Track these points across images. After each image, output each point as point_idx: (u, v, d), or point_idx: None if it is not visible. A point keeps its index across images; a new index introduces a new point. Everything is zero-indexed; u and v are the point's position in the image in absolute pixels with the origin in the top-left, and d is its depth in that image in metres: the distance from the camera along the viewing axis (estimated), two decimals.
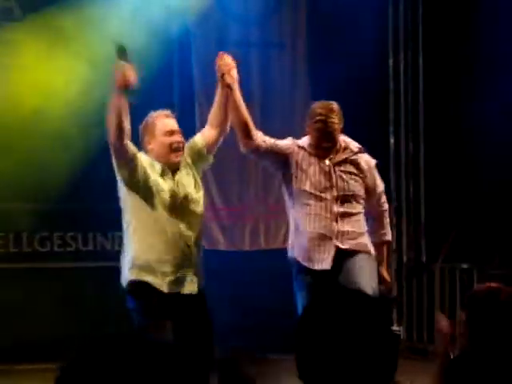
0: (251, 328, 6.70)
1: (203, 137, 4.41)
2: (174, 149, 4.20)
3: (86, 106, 6.39)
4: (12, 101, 6.54)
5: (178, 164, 4.21)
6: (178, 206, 4.14)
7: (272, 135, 4.73)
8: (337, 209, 4.54)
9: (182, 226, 4.10)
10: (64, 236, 7.01)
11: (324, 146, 4.57)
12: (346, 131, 4.71)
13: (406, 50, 7.73)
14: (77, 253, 7.06)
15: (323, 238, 4.53)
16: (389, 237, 4.92)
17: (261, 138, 4.59)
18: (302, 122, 5.13)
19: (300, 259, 4.57)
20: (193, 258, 4.19)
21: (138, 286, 4.08)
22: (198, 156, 4.37)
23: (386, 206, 4.86)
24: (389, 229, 4.90)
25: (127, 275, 4.12)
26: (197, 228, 4.24)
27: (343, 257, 4.55)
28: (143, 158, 4.15)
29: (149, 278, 4.08)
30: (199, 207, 4.26)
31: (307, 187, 4.59)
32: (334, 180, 4.59)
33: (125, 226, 4.20)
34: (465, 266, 7.01)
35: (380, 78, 7.66)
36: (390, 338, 1.53)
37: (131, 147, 4.03)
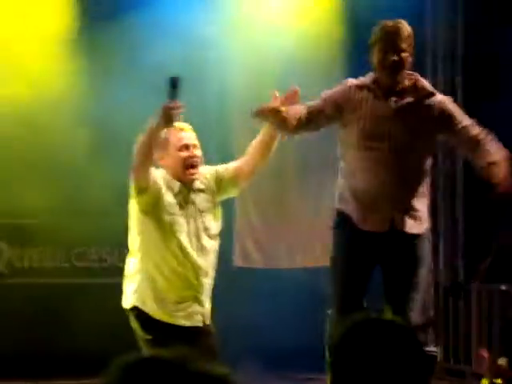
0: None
1: (235, 168, 4.17)
2: (189, 164, 3.97)
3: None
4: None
5: (193, 183, 4.00)
6: (192, 237, 3.95)
7: None
8: None
9: (194, 257, 3.93)
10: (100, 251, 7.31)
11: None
12: None
13: (444, 72, 7.83)
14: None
15: None
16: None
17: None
18: None
19: None
20: (201, 290, 4.01)
21: (143, 314, 3.95)
22: (221, 187, 4.14)
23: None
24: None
25: (132, 299, 3.98)
26: (209, 259, 4.05)
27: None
28: (159, 177, 3.93)
29: (153, 308, 3.93)
30: (213, 239, 4.06)
31: None
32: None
33: (133, 248, 4.03)
34: (503, 287, 6.94)
35: None
36: (422, 363, 1.59)
37: (152, 176, 3.87)
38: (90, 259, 7.31)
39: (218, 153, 6.62)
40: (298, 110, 4.16)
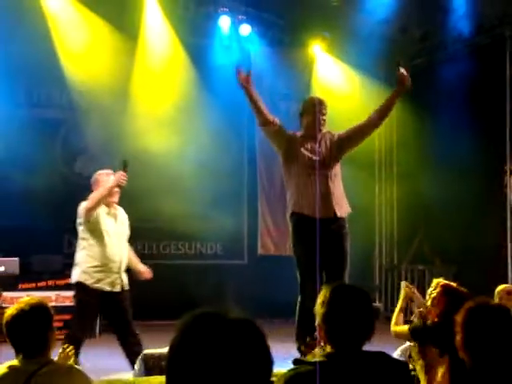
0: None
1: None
2: (113, 195, 5.91)
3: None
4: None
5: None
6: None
7: None
8: None
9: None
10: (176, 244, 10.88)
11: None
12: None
13: None
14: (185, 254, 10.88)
15: None
16: None
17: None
18: None
19: None
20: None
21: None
22: None
23: None
24: None
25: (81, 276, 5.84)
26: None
27: None
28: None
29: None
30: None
31: None
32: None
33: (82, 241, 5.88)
34: (420, 267, 10.07)
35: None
36: (260, 359, 1.46)
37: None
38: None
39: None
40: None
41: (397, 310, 4.85)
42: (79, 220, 5.92)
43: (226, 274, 10.46)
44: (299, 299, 5.62)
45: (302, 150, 5.75)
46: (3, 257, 8.57)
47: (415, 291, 4.92)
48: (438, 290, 4.39)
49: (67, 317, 8.03)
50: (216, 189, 9.96)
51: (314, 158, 5.71)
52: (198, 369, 1.44)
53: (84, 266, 5.84)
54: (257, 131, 11.08)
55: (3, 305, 8.05)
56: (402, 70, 5.84)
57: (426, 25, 10.20)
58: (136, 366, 5.68)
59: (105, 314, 6.29)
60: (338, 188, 5.81)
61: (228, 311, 1.52)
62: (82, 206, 5.89)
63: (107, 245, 5.87)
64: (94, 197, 5.83)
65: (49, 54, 9.50)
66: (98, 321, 8.71)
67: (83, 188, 9.49)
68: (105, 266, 5.84)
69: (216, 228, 10.11)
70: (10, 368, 3.20)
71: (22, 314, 3.23)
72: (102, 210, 5.88)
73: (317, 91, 10.33)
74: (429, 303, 4.46)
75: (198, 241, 10.88)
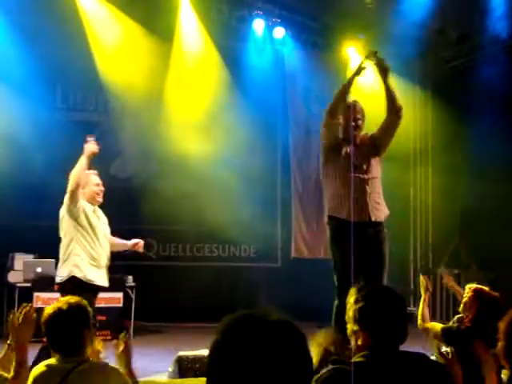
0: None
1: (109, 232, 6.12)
2: (97, 195, 5.90)
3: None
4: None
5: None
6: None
7: None
8: None
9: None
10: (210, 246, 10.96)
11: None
12: None
13: None
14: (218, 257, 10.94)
15: None
16: None
17: None
18: None
19: None
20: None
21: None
22: None
23: None
24: None
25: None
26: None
27: None
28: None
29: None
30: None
31: None
32: None
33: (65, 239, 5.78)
34: (456, 271, 9.76)
35: None
36: (297, 360, 1.47)
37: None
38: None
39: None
40: None
41: (420, 305, 4.90)
42: (62, 213, 5.84)
43: (259, 277, 10.49)
44: (336, 303, 5.58)
45: (341, 152, 5.75)
46: (40, 258, 8.68)
47: (454, 284, 5.24)
48: (469, 294, 4.41)
49: (103, 318, 8.14)
50: (249, 191, 10.01)
51: (351, 161, 5.69)
52: (240, 370, 1.44)
53: (78, 260, 5.76)
54: (291, 132, 11.27)
55: (40, 305, 8.17)
56: (376, 58, 5.84)
57: (462, 26, 10.10)
58: (170, 368, 5.71)
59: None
60: (375, 192, 5.78)
61: (268, 313, 1.52)
62: (66, 195, 5.83)
63: (97, 239, 5.84)
64: (72, 175, 5.74)
65: (85, 58, 9.61)
66: (132, 322, 8.81)
67: (118, 190, 9.82)
68: (97, 261, 5.82)
69: (250, 231, 10.15)
70: (48, 366, 3.24)
71: (60, 313, 3.26)
72: (87, 208, 5.84)
73: (351, 94, 10.25)
74: (461, 308, 4.48)
75: (232, 243, 10.94)
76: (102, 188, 5.99)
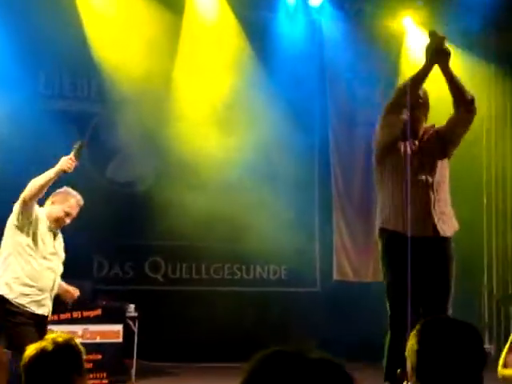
0: None
1: None
2: (60, 222, 6.09)
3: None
4: None
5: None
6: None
7: None
8: None
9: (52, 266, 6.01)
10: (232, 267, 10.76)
11: None
12: None
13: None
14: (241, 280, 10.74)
15: None
16: None
17: None
18: None
19: None
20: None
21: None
22: None
23: None
24: None
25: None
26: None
27: None
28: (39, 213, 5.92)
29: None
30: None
31: None
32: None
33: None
34: None
35: None
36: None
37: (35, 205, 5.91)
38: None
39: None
40: None
41: (506, 348, 4.90)
42: (10, 221, 6.01)
43: (292, 305, 10.37)
44: (389, 336, 5.49)
45: (400, 150, 5.62)
46: None
47: None
48: None
49: (98, 356, 8.13)
50: (279, 198, 9.93)
51: (412, 161, 5.57)
52: None
53: (8, 278, 5.93)
54: (330, 124, 11.13)
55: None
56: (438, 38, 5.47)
57: None
58: None
59: None
60: (442, 199, 5.67)
61: (307, 350, 1.58)
62: (18, 202, 5.97)
63: (39, 256, 6.02)
64: (34, 183, 5.87)
65: (74, 36, 9.59)
66: (134, 362, 8.76)
67: (116, 196, 9.81)
68: (35, 281, 5.97)
69: (280, 248, 10.05)
70: None
71: (44, 355, 3.23)
72: (43, 222, 6.05)
73: (407, 75, 10.17)
74: None
75: (258, 263, 10.83)
76: (69, 221, 6.20)
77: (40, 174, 5.89)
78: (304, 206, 10.83)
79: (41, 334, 5.49)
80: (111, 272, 9.68)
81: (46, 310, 5.99)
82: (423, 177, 5.58)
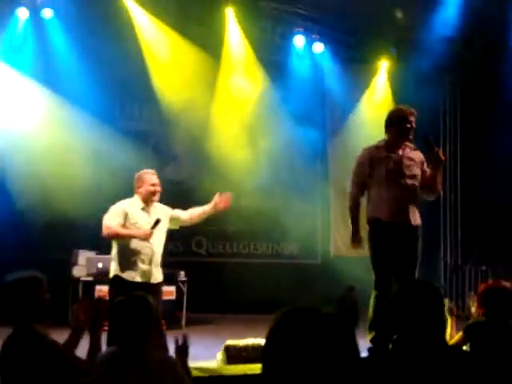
0: None
1: (182, 215, 5.79)
2: (153, 193, 5.57)
3: None
4: None
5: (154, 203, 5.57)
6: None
7: None
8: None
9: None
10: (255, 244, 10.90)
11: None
12: None
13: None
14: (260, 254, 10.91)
15: None
16: None
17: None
18: None
19: None
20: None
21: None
22: (170, 220, 5.72)
23: None
24: None
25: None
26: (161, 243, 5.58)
27: None
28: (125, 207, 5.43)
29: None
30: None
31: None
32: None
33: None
34: (483, 267, 9.81)
35: None
36: (348, 352, 1.47)
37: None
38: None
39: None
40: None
41: (448, 327, 4.62)
42: None
43: (301, 273, 10.36)
44: (373, 294, 5.59)
45: (386, 161, 5.68)
46: (101, 254, 8.78)
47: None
48: (483, 288, 4.30)
49: None
50: (291, 195, 9.96)
51: (397, 168, 5.66)
52: (293, 356, 1.44)
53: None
54: (329, 141, 11.19)
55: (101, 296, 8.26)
56: (437, 149, 5.70)
57: (488, 39, 9.93)
58: (219, 356, 5.70)
59: None
60: (415, 198, 5.76)
61: (321, 307, 1.54)
62: (104, 220, 5.52)
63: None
64: (112, 231, 5.45)
65: (141, 73, 9.69)
66: (184, 313, 8.86)
67: (173, 192, 9.82)
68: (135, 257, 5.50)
69: (291, 230, 10.11)
70: (111, 354, 3.22)
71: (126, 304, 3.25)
72: (132, 209, 5.56)
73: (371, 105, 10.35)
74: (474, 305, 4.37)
75: (275, 242, 10.90)
76: (159, 188, 5.63)
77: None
78: (310, 200, 10.83)
79: None
80: (168, 247, 9.93)
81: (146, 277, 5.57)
82: (403, 181, 5.65)
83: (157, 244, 5.57)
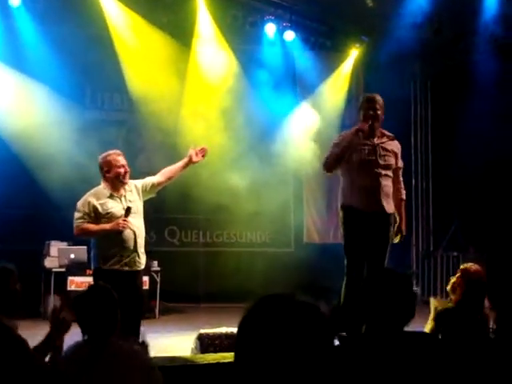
0: None
1: (154, 180, 5.47)
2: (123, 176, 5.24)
3: None
4: None
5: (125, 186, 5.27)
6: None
7: None
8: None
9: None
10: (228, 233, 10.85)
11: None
12: None
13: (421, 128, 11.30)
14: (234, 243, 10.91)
15: None
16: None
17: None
18: None
19: None
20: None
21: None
22: (144, 191, 5.40)
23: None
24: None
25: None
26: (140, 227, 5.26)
27: None
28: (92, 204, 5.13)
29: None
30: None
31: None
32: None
33: None
34: (455, 253, 9.97)
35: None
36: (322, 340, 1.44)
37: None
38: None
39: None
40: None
41: (431, 316, 4.54)
42: None
43: (274, 261, 10.36)
44: (345, 279, 5.61)
45: (361, 148, 5.67)
46: (73, 245, 8.73)
47: None
48: (457, 274, 4.31)
49: None
50: (264, 184, 9.92)
51: (371, 157, 5.66)
52: (266, 345, 1.42)
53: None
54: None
55: (73, 288, 8.22)
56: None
57: (458, 27, 10.01)
58: (192, 345, 5.72)
59: None
60: (388, 186, 5.75)
61: (294, 294, 1.51)
62: (74, 219, 5.29)
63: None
64: (83, 231, 5.24)
65: (111, 62, 9.58)
66: (158, 303, 8.86)
67: None
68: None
69: (265, 218, 10.14)
70: (77, 347, 3.22)
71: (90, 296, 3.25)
72: (98, 202, 5.27)
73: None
74: (450, 288, 4.36)
75: (249, 230, 10.90)
76: (128, 169, 5.32)
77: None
78: (283, 189, 10.77)
79: None
80: None
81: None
82: (376, 170, 5.65)
83: (137, 226, 5.29)
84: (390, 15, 9.69)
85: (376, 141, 5.70)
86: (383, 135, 5.78)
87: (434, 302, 4.77)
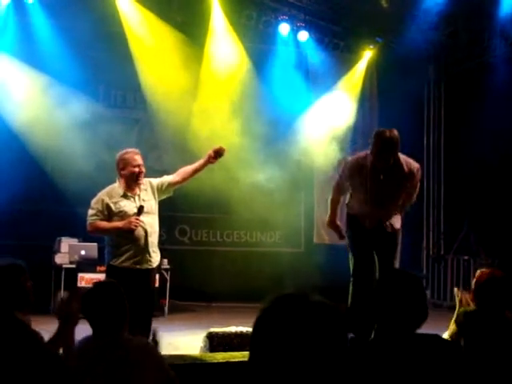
0: None
1: (170, 179, 5.41)
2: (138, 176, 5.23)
3: None
4: None
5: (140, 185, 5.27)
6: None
7: None
8: None
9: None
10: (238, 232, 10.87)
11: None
12: None
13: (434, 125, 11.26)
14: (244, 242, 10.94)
15: None
16: None
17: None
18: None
19: None
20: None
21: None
22: (160, 190, 5.39)
23: None
24: None
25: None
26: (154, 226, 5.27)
27: None
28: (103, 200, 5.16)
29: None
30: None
31: None
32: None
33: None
34: (466, 257, 9.97)
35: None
36: (337, 340, 1.44)
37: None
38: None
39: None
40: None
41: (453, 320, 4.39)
42: None
43: (284, 261, 10.34)
44: (352, 281, 5.61)
45: (370, 172, 5.60)
46: (83, 242, 8.76)
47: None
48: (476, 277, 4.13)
49: None
50: (276, 184, 9.88)
51: (378, 181, 5.60)
52: (281, 344, 1.43)
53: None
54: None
55: (83, 285, 8.25)
56: None
57: (473, 29, 9.97)
58: (202, 343, 5.72)
59: None
60: (391, 209, 5.71)
61: (310, 294, 1.51)
62: (88, 216, 5.28)
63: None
64: (95, 228, 5.27)
65: (125, 58, 9.61)
66: (167, 301, 8.88)
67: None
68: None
69: (275, 218, 10.12)
70: (87, 341, 3.22)
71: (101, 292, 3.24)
72: (112, 200, 5.27)
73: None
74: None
75: (259, 230, 10.88)
76: (143, 169, 5.27)
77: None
78: (294, 190, 10.76)
79: None
80: None
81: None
82: (383, 194, 5.59)
83: (150, 225, 5.28)
84: (404, 16, 9.67)
85: (384, 164, 5.58)
86: (396, 163, 5.62)
87: (458, 293, 4.63)
